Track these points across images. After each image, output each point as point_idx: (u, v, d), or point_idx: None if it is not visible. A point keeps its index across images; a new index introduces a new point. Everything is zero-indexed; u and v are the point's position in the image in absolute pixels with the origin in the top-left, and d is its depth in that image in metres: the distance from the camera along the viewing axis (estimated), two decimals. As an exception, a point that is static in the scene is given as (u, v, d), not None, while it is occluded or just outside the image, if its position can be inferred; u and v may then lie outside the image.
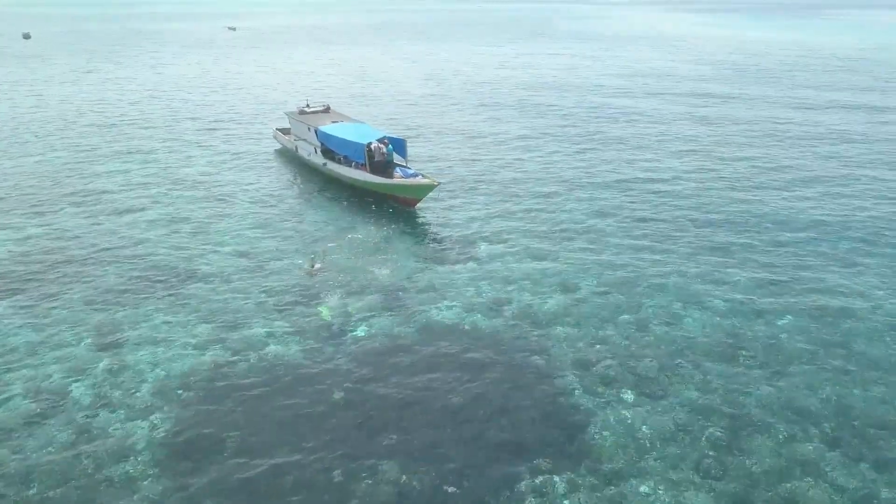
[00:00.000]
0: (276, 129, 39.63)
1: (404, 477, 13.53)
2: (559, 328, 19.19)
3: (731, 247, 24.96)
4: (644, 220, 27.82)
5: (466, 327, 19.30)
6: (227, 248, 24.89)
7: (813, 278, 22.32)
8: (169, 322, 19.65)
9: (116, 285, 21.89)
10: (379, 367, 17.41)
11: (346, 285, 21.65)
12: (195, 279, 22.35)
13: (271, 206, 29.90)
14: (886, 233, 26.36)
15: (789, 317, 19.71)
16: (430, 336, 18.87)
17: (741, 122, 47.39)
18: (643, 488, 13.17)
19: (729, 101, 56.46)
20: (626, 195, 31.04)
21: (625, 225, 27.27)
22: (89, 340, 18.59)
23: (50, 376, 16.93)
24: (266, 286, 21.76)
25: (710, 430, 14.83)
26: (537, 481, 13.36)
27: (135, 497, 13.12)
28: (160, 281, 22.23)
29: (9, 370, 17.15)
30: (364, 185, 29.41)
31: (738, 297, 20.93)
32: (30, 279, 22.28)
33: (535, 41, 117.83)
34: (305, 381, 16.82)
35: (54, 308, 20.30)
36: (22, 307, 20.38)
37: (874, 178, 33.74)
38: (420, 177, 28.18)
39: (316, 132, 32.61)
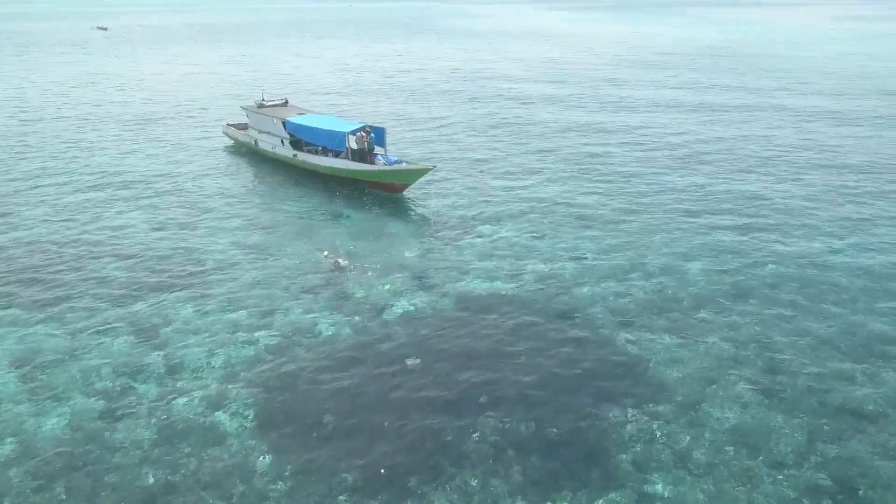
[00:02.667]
0: (227, 124, 38.64)
1: (506, 425, 14.50)
2: (583, 289, 20.79)
3: (701, 214, 27.83)
4: (621, 194, 30.20)
5: (503, 294, 20.43)
6: (224, 241, 24.45)
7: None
8: (201, 312, 19.26)
9: (123, 284, 21.01)
10: (435, 334, 18.14)
11: (367, 268, 22.06)
12: (205, 272, 21.88)
13: (248, 199, 29.46)
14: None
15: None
16: (469, 305, 19.81)
17: (640, 103, 51.69)
18: (715, 412, 14.97)
19: (633, 84, 61.03)
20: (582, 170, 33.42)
21: (603, 200, 29.49)
22: (128, 338, 17.91)
23: (104, 377, 16.22)
24: (283, 273, 21.71)
25: (752, 357, 17.00)
26: (629, 416, 14.78)
27: (253, 483, 13.21)
28: (169, 276, 21.59)
29: (57, 377, 16.24)
30: (347, 173, 29.64)
31: (707, 252, 23.60)
32: (21, 287, 20.93)
33: (426, 37, 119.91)
34: (370, 354, 17.23)
35: (70, 312, 19.26)
36: (36, 314, 19.19)
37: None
38: (404, 163, 28.91)
39: (284, 124, 32.38)
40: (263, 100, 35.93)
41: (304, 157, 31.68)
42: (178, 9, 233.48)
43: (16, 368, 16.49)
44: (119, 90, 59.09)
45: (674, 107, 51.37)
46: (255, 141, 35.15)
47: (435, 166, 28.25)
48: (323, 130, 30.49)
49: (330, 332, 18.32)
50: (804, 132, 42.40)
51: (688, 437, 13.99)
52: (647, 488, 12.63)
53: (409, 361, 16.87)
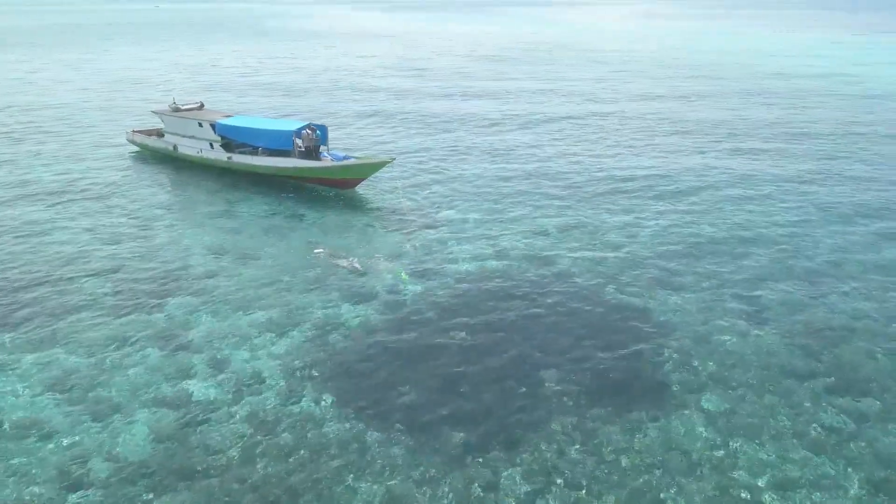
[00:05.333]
0: (134, 131, 36.26)
1: (565, 378, 16.44)
2: (565, 255, 23.20)
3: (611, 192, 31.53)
4: (557, 176, 33.12)
5: (496, 269, 22.21)
6: (197, 248, 23.75)
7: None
8: (218, 317, 19.04)
9: (115, 299, 19.99)
10: (461, 309, 19.48)
11: (361, 260, 22.72)
12: (197, 279, 21.36)
13: (192, 206, 28.50)
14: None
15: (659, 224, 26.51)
16: (471, 281, 21.38)
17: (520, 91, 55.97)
18: (723, 337, 18.02)
19: (483, 76, 65.27)
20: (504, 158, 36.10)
21: (538, 181, 32.22)
22: (156, 349, 17.37)
23: (157, 387, 15.79)
24: (281, 273, 21.80)
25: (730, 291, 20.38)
26: (659, 353, 17.36)
27: (359, 454, 14.01)
28: (160, 285, 20.83)
29: (108, 395, 15.52)
30: (298, 172, 29.55)
31: (625, 217, 27.26)
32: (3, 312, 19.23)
33: (264, 39, 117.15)
34: (413, 335, 18.17)
35: (78, 333, 18.11)
36: (40, 339, 17.82)
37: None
38: (353, 159, 29.53)
39: (213, 127, 31.40)
40: (174, 103, 34.35)
41: (242, 158, 31.05)
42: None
43: (60, 393, 15.51)
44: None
45: (513, 93, 56.01)
46: (175, 146, 33.60)
47: (394, 159, 29.22)
48: (265, 131, 30.16)
49: (359, 322, 18.98)
50: (633, 106, 48.64)
51: (710, 363, 16.85)
52: (704, 405, 15.25)
53: (456, 336, 18.16)
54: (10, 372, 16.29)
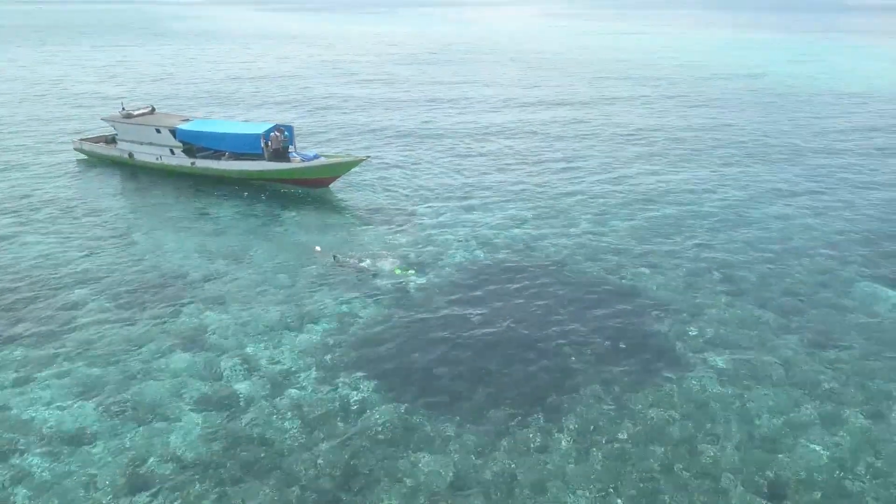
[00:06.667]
0: (81, 139, 34.70)
1: (582, 348, 17.68)
2: (547, 241, 24.58)
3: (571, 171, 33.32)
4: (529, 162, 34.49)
5: (487, 257, 23.30)
6: (187, 253, 23.44)
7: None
8: (230, 316, 19.06)
9: (119, 307, 19.58)
10: (467, 294, 20.38)
11: (353, 256, 23.21)
12: (196, 283, 21.16)
13: (160, 212, 27.85)
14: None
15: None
16: (469, 268, 22.33)
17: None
18: (708, 302, 19.85)
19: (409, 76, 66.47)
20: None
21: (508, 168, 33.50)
22: (182, 352, 17.25)
23: (195, 389, 15.78)
24: (273, 272, 21.95)
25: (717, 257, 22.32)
26: (661, 322, 18.94)
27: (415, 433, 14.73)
28: (162, 291, 20.53)
29: (145, 400, 15.42)
30: (271, 174, 29.42)
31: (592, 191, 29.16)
32: (7, 325, 18.48)
33: (175, 41, 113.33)
34: (428, 320, 18.91)
35: (98, 341, 17.74)
36: (55, 350, 17.34)
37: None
38: (323, 158, 29.75)
39: (173, 132, 30.70)
40: (124, 109, 33.28)
41: (207, 163, 30.57)
42: None
43: (94, 402, 15.26)
44: None
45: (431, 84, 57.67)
46: (130, 153, 32.55)
47: (369, 157, 29.64)
48: (231, 135, 29.85)
49: (370, 312, 19.43)
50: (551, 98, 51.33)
51: (706, 328, 18.60)
52: (711, 363, 16.92)
53: (474, 317, 19.09)
54: (35, 385, 15.84)
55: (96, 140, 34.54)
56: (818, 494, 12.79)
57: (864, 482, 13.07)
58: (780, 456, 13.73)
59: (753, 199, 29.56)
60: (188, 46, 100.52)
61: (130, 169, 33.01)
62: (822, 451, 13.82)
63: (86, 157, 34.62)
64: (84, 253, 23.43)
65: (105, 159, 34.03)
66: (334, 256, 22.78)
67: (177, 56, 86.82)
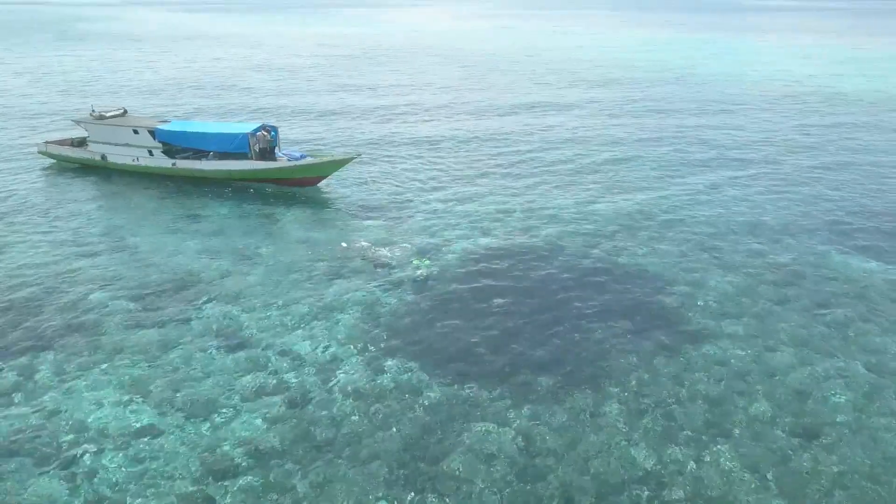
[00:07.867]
0: (48, 142, 33.27)
1: (609, 329, 18.81)
2: (548, 227, 25.68)
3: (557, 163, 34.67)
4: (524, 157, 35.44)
5: (493, 244, 24.19)
6: (192, 253, 23.20)
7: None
8: (257, 311, 19.16)
9: (136, 308, 19.30)
10: (484, 280, 21.21)
11: (367, 246, 23.58)
12: (212, 279, 21.07)
13: (151, 213, 27.27)
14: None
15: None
16: (480, 255, 23.11)
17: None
18: (710, 279, 21.38)
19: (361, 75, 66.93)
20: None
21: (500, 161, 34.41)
22: (218, 350, 17.26)
23: (244, 384, 15.89)
24: (286, 268, 22.09)
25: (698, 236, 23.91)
26: (674, 296, 20.31)
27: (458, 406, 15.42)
28: (182, 289, 20.35)
29: (198, 397, 15.51)
30: (255, 174, 29.24)
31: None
32: (22, 332, 17.91)
33: (93, 44, 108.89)
34: (455, 304, 19.65)
35: (128, 344, 17.51)
36: (85, 357, 17.07)
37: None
38: (309, 157, 29.83)
39: (152, 133, 30.01)
40: (94, 111, 32.25)
41: (190, 164, 30.07)
42: None
43: (145, 401, 15.20)
44: None
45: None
46: (103, 156, 31.56)
47: (359, 154, 29.88)
48: (217, 135, 29.50)
49: (397, 300, 20.01)
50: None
51: (711, 302, 20.11)
52: (726, 330, 18.37)
53: (497, 301, 19.91)
54: (81, 388, 15.60)
55: (62, 142, 33.28)
56: (846, 431, 14.37)
57: (883, 419, 14.74)
58: (808, 402, 15.27)
59: (717, 187, 31.69)
60: (112, 49, 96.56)
61: (104, 172, 31.99)
62: (842, 397, 15.45)
63: (53, 161, 33.29)
64: (84, 258, 22.79)
65: (74, 162, 32.84)
66: (360, 251, 23.20)
67: (103, 57, 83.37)
